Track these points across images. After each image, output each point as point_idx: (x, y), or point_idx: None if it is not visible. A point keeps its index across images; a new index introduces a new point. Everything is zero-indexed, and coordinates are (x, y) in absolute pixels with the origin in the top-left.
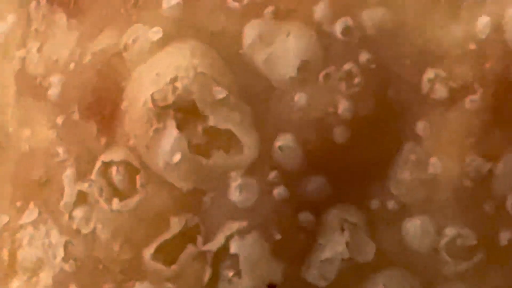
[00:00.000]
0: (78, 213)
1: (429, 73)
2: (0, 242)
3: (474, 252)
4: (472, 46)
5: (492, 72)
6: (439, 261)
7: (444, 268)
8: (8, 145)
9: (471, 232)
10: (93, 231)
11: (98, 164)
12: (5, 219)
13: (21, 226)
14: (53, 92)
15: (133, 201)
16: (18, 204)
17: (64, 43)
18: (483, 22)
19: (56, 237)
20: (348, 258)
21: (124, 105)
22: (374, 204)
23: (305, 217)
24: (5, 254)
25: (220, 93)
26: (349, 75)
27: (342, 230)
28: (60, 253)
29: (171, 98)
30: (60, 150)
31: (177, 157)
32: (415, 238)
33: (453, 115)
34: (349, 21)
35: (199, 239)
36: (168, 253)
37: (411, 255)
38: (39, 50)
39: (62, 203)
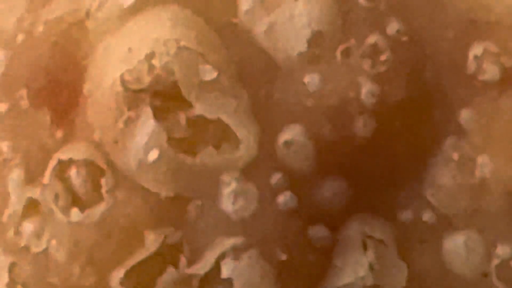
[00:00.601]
0: (27, 226)
1: (476, 48)
2: None
3: None
4: None
5: None
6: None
7: None
8: None
9: None
10: (46, 250)
11: (52, 164)
12: None
13: None
14: None
15: (97, 211)
16: None
17: (10, 8)
18: None
19: None
20: (372, 285)
21: (86, 88)
22: (406, 215)
23: (318, 231)
24: None
25: (209, 73)
26: (374, 51)
27: (365, 248)
28: (4, 277)
29: (146, 80)
30: (4, 146)
31: (153, 154)
32: (458, 259)
33: (506, 102)
34: None
35: (182, 260)
36: (142, 277)
37: (454, 281)
38: None
39: (6, 214)
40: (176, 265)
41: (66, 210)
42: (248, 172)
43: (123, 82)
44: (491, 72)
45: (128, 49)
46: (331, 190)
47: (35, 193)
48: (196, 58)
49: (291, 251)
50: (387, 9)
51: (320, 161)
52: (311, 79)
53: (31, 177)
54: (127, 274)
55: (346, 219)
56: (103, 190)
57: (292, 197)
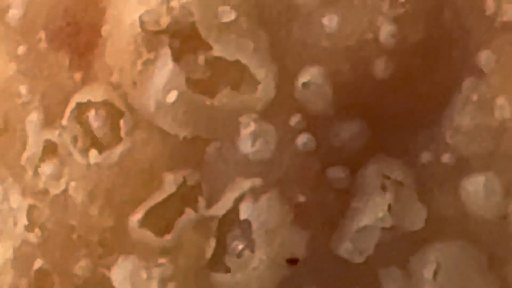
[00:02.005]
0: (46, 168)
1: None
2: None
3: None
4: None
5: None
6: (507, 230)
7: None
8: None
9: None
10: (65, 191)
11: (71, 106)
12: None
13: None
14: (14, 14)
15: (116, 152)
16: None
17: None
18: None
19: (17, 200)
20: (391, 226)
21: (104, 30)
22: (425, 157)
23: (337, 173)
24: None
25: (228, 14)
26: None
27: (384, 190)
28: (23, 219)
29: (165, 21)
30: (23, 88)
31: (172, 95)
32: (477, 201)
33: None
34: None
35: (201, 201)
36: (160, 219)
37: (472, 223)
38: None
39: (24, 156)
40: (194, 207)
41: (84, 152)
42: (267, 113)
43: (141, 23)
44: (510, 13)
45: None
46: (350, 131)
47: (53, 135)
48: None
49: (310, 193)
50: None
51: (339, 103)
52: (330, 20)
53: (50, 120)
54: (146, 215)
55: (365, 160)
56: (122, 132)
57: (311, 139)
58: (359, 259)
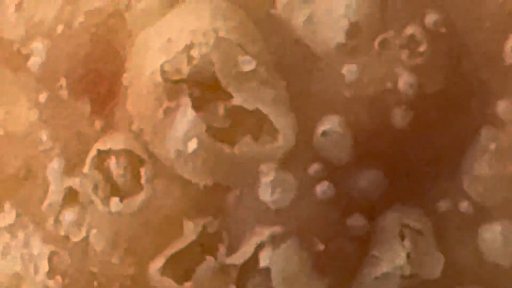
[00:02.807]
0: (67, 216)
1: None
2: None
3: None
4: None
5: None
6: None
7: None
8: None
9: None
10: (86, 239)
11: (92, 154)
12: None
13: None
14: (35, 61)
15: (136, 200)
16: None
17: (50, 0)
18: None
19: (38, 247)
20: (410, 274)
21: (125, 78)
22: (443, 206)
23: (356, 221)
24: None
25: (248, 64)
26: (412, 41)
27: (402, 238)
28: (44, 266)
29: (185, 70)
30: (44, 135)
31: (193, 144)
32: (496, 249)
33: None
34: None
35: (221, 249)
36: (181, 267)
37: (491, 271)
38: (17, 8)
39: (46, 203)
40: (214, 255)
41: (105, 200)
42: (286, 162)
43: (162, 72)
44: None
45: (168, 40)
46: (368, 180)
47: (74, 182)
48: (235, 48)
49: (329, 241)
50: (425, 0)
51: (358, 152)
52: (349, 70)
53: (71, 167)
54: (167, 263)
55: (383, 209)
56: (142, 180)
57: (330, 187)
58: None
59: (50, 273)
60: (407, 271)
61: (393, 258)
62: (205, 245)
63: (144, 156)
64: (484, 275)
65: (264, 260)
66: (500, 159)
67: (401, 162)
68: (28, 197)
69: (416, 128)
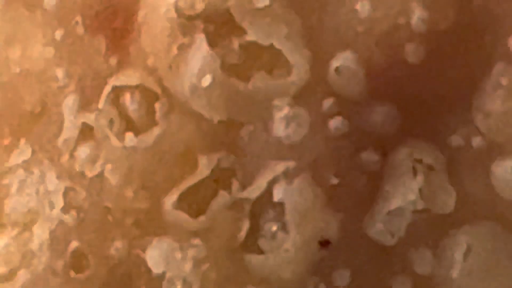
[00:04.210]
0: (82, 151)
1: None
2: None
3: None
4: None
5: None
6: None
7: None
8: None
9: None
10: (101, 174)
11: (107, 90)
12: None
13: (9, 169)
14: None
15: (151, 135)
16: (6, 141)
17: None
18: None
19: (53, 182)
20: (422, 209)
21: (140, 15)
22: (455, 141)
23: (368, 156)
24: None
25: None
26: None
27: (415, 173)
28: (59, 202)
29: (200, 6)
30: (59, 72)
31: (207, 79)
32: (507, 183)
33: None
34: None
35: (235, 183)
36: (195, 201)
37: (502, 205)
38: None
39: (61, 139)
40: (228, 189)
41: (120, 135)
42: (300, 97)
43: (177, 8)
44: None
45: None
46: (381, 115)
47: (89, 118)
48: None
49: (342, 176)
50: None
51: (371, 87)
52: (362, 5)
53: (86, 103)
54: (180, 197)
55: (396, 144)
56: (157, 115)
57: (343, 122)
58: (390, 241)
59: (65, 208)
60: (420, 206)
61: (405, 193)
62: (218, 179)
63: (159, 91)
64: (496, 210)
65: (277, 194)
66: None
67: (414, 97)
68: (43, 133)
69: (428, 64)
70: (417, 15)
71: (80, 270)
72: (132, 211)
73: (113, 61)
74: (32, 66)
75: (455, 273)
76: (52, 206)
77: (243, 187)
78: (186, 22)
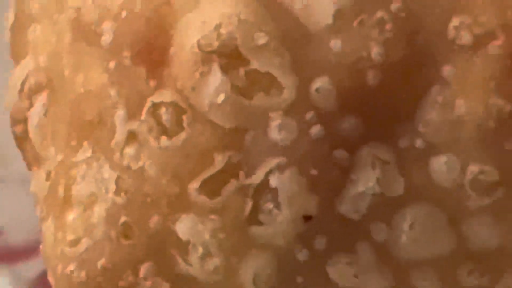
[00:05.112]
0: (129, 150)
1: (455, 21)
2: (55, 178)
3: (496, 187)
4: None
5: None
6: (464, 196)
7: (468, 203)
8: (64, 89)
9: (493, 169)
10: (142, 167)
11: (147, 105)
12: (60, 157)
13: (76, 164)
14: (106, 38)
15: (180, 138)
16: (73, 143)
17: None
18: None
19: (108, 173)
20: (379, 192)
21: (172, 50)
22: (403, 142)
23: (340, 154)
24: (61, 189)
25: (262, 38)
26: (381, 22)
27: (374, 166)
28: (112, 187)
29: (216, 44)
30: (112, 92)
31: (221, 97)
32: (441, 174)
33: (477, 60)
34: None
35: (241, 174)
36: (212, 187)
37: (438, 190)
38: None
39: (113, 141)
40: (237, 178)
41: (157, 139)
42: (290, 110)
43: (199, 45)
44: (466, 38)
45: (202, 22)
46: (349, 124)
47: (134, 126)
48: (252, 27)
49: (320, 168)
50: None
51: (342, 103)
52: (335, 43)
53: (132, 115)
54: (202, 184)
55: (360, 145)
56: (184, 124)
57: (321, 129)
58: (356, 216)
59: (117, 192)
60: (377, 190)
61: (366, 181)
62: (229, 171)
63: (186, 106)
64: (433, 194)
65: (273, 182)
66: (445, 108)
67: (374, 110)
68: (101, 137)
69: (384, 86)
70: (375, 50)
71: (128, 238)
72: (165, 195)
73: (152, 84)
74: (92, 88)
75: (403, 240)
76: (107, 190)
77: (248, 176)
78: (206, 55)
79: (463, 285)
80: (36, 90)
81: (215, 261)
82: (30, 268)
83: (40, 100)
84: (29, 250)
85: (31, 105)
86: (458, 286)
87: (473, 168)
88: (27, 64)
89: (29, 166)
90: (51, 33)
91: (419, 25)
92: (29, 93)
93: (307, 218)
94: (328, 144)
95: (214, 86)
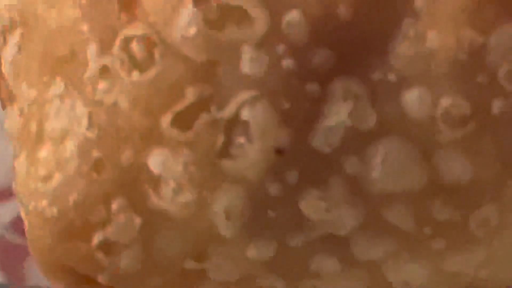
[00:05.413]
0: (101, 85)
1: None
2: (28, 114)
3: (467, 120)
4: None
5: None
6: (435, 129)
7: (440, 136)
8: (37, 26)
9: (465, 102)
10: (115, 102)
11: (119, 39)
12: (33, 93)
13: (48, 99)
14: None
15: (151, 72)
16: (46, 79)
17: None
18: None
19: (80, 108)
20: (350, 126)
21: None
22: (376, 76)
23: (311, 87)
24: (34, 125)
25: None
26: None
27: (346, 99)
28: (84, 122)
29: None
30: (85, 27)
31: (192, 30)
32: (413, 107)
33: None
34: None
35: (213, 107)
36: (184, 120)
37: (410, 124)
38: None
39: (86, 76)
40: (208, 111)
41: (129, 73)
42: (261, 43)
43: None
44: None
45: None
46: (321, 56)
47: (107, 61)
48: None
49: (292, 101)
50: None
51: (313, 35)
52: None
53: (104, 49)
54: (174, 118)
55: (332, 78)
56: (156, 58)
57: (293, 62)
58: (328, 150)
59: (89, 127)
60: (349, 124)
61: (338, 114)
62: (201, 105)
63: (157, 40)
64: (405, 128)
65: (244, 115)
66: (417, 41)
67: (346, 43)
68: (73, 72)
69: (356, 18)
70: None
71: (100, 173)
72: (138, 129)
73: (124, 17)
74: (65, 23)
75: (374, 173)
76: (79, 125)
77: (219, 110)
78: None
79: (435, 219)
80: (10, 27)
81: (187, 195)
82: (4, 212)
83: (14, 37)
84: (3, 194)
85: (5, 43)
86: (430, 220)
87: (444, 101)
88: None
89: (3, 105)
90: None
91: None
92: (2, 31)
93: (279, 151)
94: (299, 77)
95: (186, 19)
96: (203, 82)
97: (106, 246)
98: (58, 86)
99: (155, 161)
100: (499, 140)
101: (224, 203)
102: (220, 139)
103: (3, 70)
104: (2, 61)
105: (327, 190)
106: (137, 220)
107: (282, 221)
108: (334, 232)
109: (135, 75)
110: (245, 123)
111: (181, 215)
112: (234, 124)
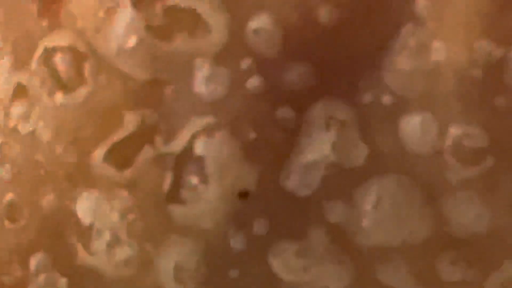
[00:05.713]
0: (16, 109)
1: None
2: None
3: (483, 155)
4: None
5: None
6: (443, 166)
7: (448, 174)
8: None
9: (480, 131)
10: (34, 130)
11: (39, 51)
12: None
13: None
14: None
15: (80, 93)
16: None
17: None
18: None
19: None
20: (334, 162)
21: None
22: (366, 98)
23: (285, 113)
24: None
25: None
26: None
27: (328, 128)
28: None
29: None
30: None
31: (132, 40)
32: (414, 138)
33: None
34: None
35: (158, 139)
36: (121, 155)
37: (410, 159)
38: None
39: None
40: (152, 144)
41: (51, 94)
42: (220, 57)
43: None
44: None
45: None
46: (297, 73)
47: (23, 78)
48: None
49: (260, 131)
50: None
51: (287, 47)
52: None
53: (20, 64)
54: (108, 152)
55: (311, 101)
56: (86, 74)
57: (261, 81)
58: (305, 192)
59: (0, 162)
60: (332, 159)
61: (319, 147)
62: (143, 135)
63: (88, 52)
64: (404, 164)
65: (198, 148)
66: (419, 53)
67: (328, 57)
68: None
69: (341, 25)
70: None
71: (14, 220)
72: (62, 165)
73: (44, 23)
74: None
75: (365, 222)
76: None
77: (167, 142)
78: None
79: (442, 280)
80: None
81: (125, 250)
82: None
83: None
84: None
85: None
86: (436, 281)
87: (454, 130)
88: None
89: None
90: None
91: None
92: None
93: (243, 194)
94: (269, 100)
95: (124, 26)
96: (146, 107)
97: None
98: None
99: (85, 207)
100: None
101: (174, 259)
102: (168, 179)
103: None
104: None
105: (305, 243)
106: (62, 282)
107: (248, 282)
108: None
109: (59, 97)
110: (200, 159)
111: (118, 275)
112: (185, 160)
